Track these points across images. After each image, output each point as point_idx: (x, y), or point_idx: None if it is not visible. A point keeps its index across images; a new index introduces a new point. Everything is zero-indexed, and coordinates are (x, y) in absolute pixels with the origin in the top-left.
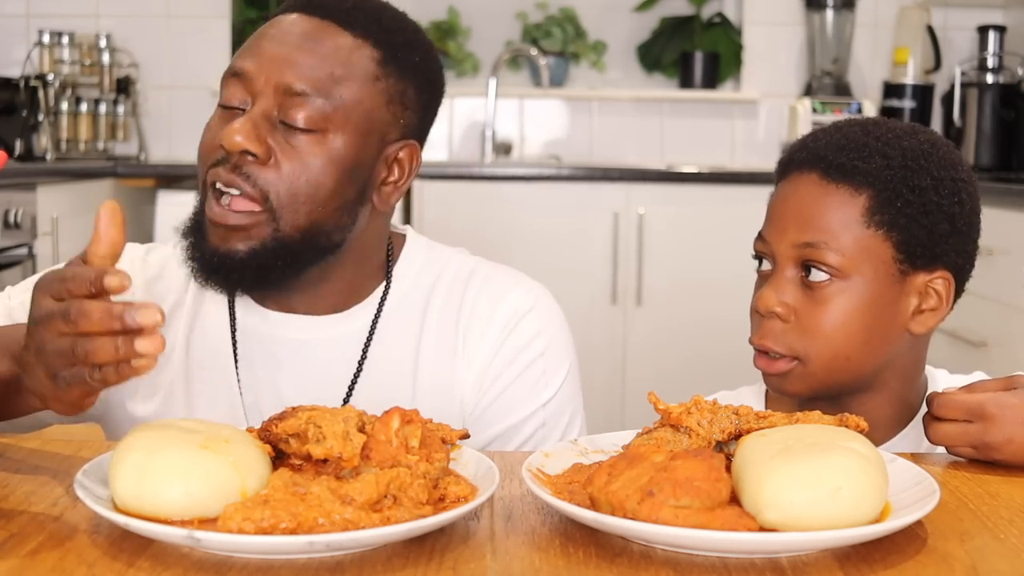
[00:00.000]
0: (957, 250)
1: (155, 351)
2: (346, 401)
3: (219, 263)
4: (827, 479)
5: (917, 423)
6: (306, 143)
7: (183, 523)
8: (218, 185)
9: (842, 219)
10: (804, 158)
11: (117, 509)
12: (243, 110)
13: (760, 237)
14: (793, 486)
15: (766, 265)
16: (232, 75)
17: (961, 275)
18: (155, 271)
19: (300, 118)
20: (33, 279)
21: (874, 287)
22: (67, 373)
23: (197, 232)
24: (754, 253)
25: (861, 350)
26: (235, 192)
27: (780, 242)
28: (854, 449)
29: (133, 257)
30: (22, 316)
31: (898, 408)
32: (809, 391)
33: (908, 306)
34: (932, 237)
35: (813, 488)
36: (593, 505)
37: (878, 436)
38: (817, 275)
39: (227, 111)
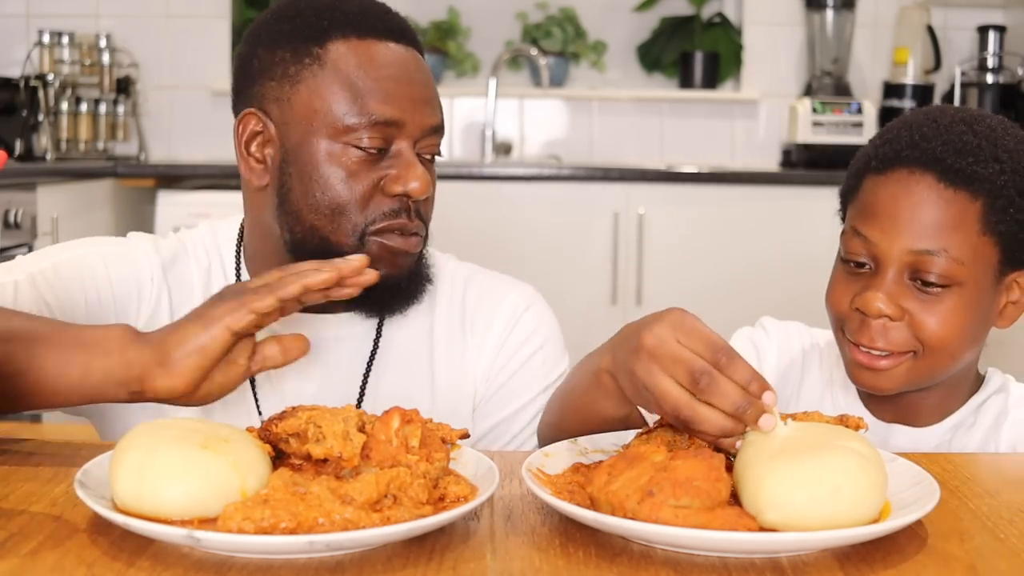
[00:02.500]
0: None
1: None
2: (361, 395)
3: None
4: (827, 478)
5: (959, 417)
6: None
7: (183, 523)
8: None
9: (959, 226)
10: (917, 157)
11: (117, 509)
12: None
13: (857, 234)
14: (793, 485)
15: (865, 264)
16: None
17: None
18: (169, 261)
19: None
20: (53, 251)
21: (981, 291)
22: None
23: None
24: (843, 250)
25: (965, 349)
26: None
27: (892, 246)
28: (853, 449)
29: (146, 250)
30: (47, 280)
31: (941, 402)
32: (903, 386)
33: (1000, 303)
34: None
35: (813, 487)
36: (593, 505)
37: (919, 422)
38: (929, 282)
39: None
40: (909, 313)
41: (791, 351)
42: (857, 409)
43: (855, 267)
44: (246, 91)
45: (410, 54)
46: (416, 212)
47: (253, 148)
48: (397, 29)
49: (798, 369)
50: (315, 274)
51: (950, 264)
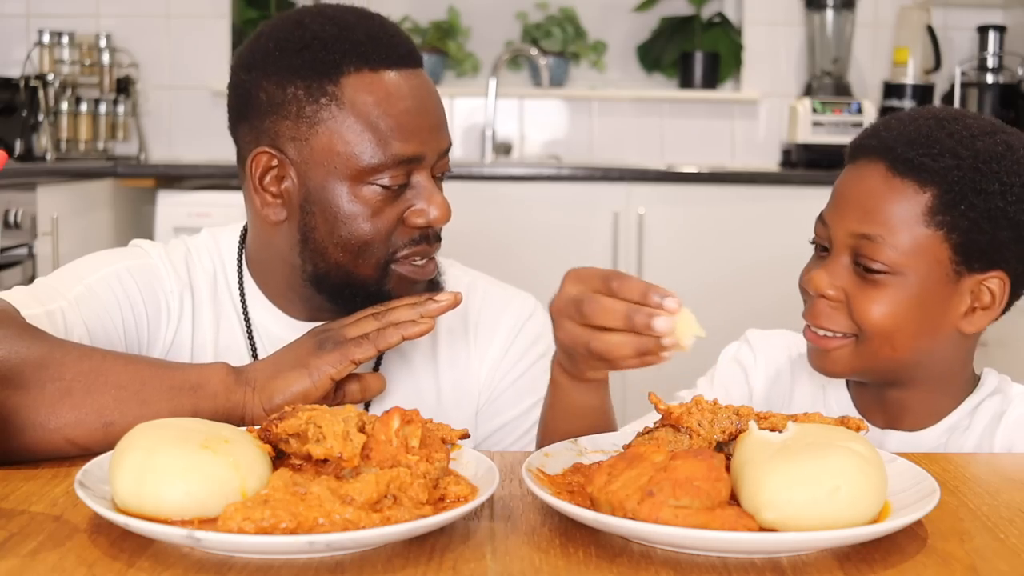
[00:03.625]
0: (1018, 256)
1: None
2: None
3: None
4: (826, 478)
5: (954, 419)
6: None
7: (183, 523)
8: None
9: (902, 215)
10: (873, 146)
11: (117, 509)
12: None
13: (821, 219)
14: (792, 485)
15: (824, 247)
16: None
17: (1020, 279)
18: (183, 267)
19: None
20: (77, 272)
21: (926, 285)
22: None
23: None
24: (813, 236)
25: (907, 342)
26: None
27: (838, 228)
28: (853, 449)
29: (161, 257)
30: (88, 305)
31: (930, 404)
32: (849, 372)
33: (960, 305)
34: (993, 243)
35: (812, 487)
36: (593, 505)
37: (911, 425)
38: (869, 267)
39: None
40: (848, 296)
41: (777, 361)
42: (849, 413)
43: (821, 252)
44: (254, 124)
45: (420, 79)
46: (435, 236)
47: (267, 182)
48: (406, 54)
49: (787, 377)
50: (413, 326)
51: (889, 251)
